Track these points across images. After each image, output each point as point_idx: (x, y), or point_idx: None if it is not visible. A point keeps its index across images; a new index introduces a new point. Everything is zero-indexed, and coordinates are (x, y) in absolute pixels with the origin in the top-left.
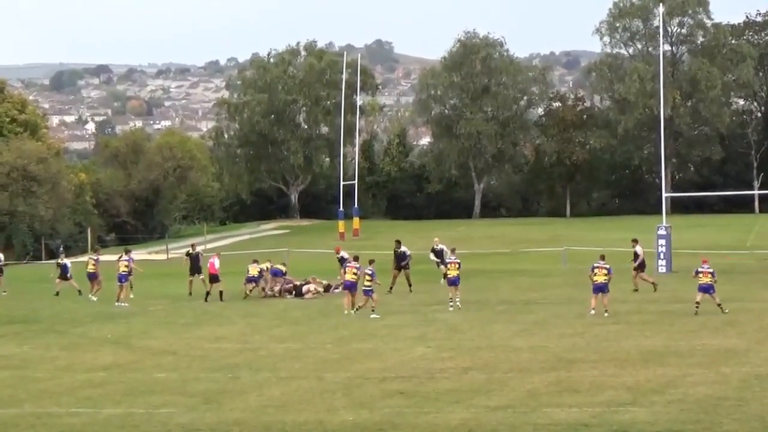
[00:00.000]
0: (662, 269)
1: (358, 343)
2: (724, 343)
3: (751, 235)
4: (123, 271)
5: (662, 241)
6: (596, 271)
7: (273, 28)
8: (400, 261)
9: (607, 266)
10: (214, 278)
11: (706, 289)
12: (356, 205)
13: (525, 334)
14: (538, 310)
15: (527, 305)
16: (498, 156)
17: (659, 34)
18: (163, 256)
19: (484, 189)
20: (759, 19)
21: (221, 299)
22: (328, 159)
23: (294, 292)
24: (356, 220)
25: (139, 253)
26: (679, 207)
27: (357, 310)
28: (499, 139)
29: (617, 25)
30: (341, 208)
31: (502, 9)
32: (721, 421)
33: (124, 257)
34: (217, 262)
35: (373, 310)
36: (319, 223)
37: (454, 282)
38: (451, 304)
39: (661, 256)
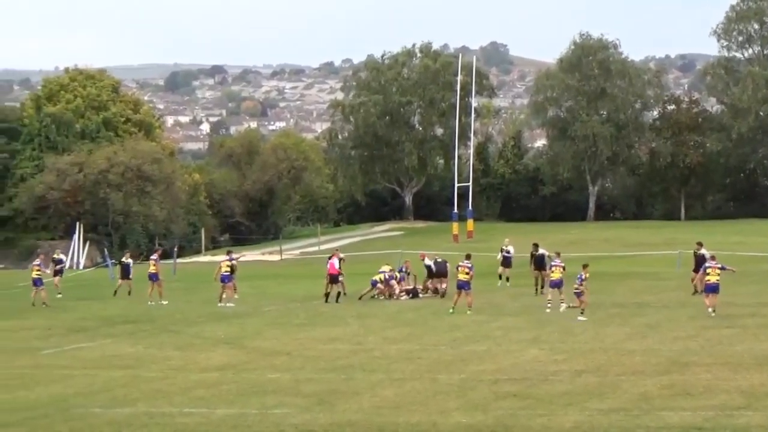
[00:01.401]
0: None
1: (471, 345)
2: None
3: None
4: (225, 272)
5: None
6: (709, 270)
7: (388, 30)
8: (540, 263)
9: (719, 265)
10: (333, 278)
11: None
12: (470, 207)
13: (638, 337)
14: (651, 313)
15: (641, 308)
16: (613, 158)
17: None
18: (276, 257)
19: (598, 191)
20: None
21: (337, 300)
22: (442, 161)
23: (411, 294)
24: (470, 222)
25: (253, 254)
26: None
27: (567, 306)
28: (614, 141)
29: (733, 27)
30: (455, 210)
31: (618, 11)
32: None
33: (227, 258)
34: (337, 263)
35: (582, 312)
36: (433, 225)
37: (557, 284)
38: (549, 305)
39: None
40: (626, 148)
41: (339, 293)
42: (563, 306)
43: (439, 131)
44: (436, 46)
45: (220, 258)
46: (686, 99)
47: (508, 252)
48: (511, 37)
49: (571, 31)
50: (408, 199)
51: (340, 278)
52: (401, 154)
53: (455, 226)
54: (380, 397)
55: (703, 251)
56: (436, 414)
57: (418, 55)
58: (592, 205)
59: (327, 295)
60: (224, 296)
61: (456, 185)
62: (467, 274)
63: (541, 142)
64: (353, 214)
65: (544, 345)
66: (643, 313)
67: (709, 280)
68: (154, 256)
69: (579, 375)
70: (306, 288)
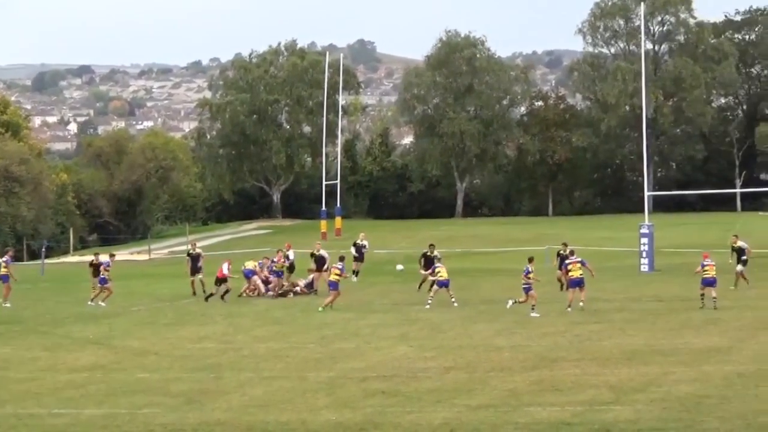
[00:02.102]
0: (645, 268)
1: (340, 343)
2: (707, 342)
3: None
4: (103, 275)
5: (645, 240)
6: (570, 266)
7: (256, 29)
8: (431, 264)
9: (579, 259)
10: (220, 281)
11: (711, 282)
12: (338, 205)
13: (507, 333)
14: (519, 310)
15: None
16: (480, 155)
17: (641, 32)
18: (145, 257)
19: (466, 188)
20: (738, 18)
21: (222, 298)
22: (310, 159)
23: (282, 291)
24: (338, 219)
25: (121, 254)
26: (661, 205)
27: (514, 302)
28: (481, 138)
29: (599, 24)
30: (324, 208)
31: (485, 8)
32: (703, 420)
33: (105, 262)
34: (225, 268)
35: (533, 308)
36: (301, 223)
37: (444, 284)
38: (429, 302)
39: (644, 254)
40: (494, 145)
41: (226, 291)
42: (455, 303)
43: (307, 129)
44: (303, 45)
45: (89, 258)
46: (553, 95)
47: (363, 246)
48: (378, 35)
49: (439, 29)
50: (276, 198)
51: (228, 282)
52: (269, 153)
53: (323, 224)
54: (249, 395)
55: (569, 249)
56: (305, 412)
57: (285, 53)
58: (460, 201)
59: (211, 294)
60: (97, 296)
61: (324, 183)
62: (338, 275)
63: (408, 140)
64: (221, 213)
65: (413, 342)
66: (512, 309)
67: (572, 276)
68: (5, 258)
69: (448, 372)
70: (174, 287)
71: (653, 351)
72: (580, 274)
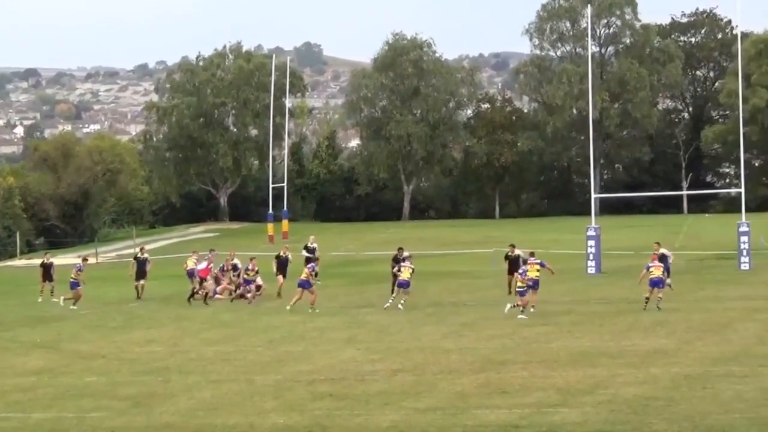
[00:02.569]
0: (591, 270)
1: (288, 346)
2: (654, 344)
3: (680, 236)
4: (72, 278)
5: (592, 242)
6: (528, 267)
7: (203, 31)
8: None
9: (539, 261)
10: (203, 280)
11: (657, 282)
12: (285, 208)
13: (454, 336)
14: (467, 312)
15: (456, 307)
16: (427, 158)
17: (587, 35)
18: (92, 260)
19: (413, 191)
20: (684, 20)
21: (195, 298)
22: (257, 161)
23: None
24: (285, 222)
25: (68, 257)
26: (608, 208)
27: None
28: (428, 141)
29: (545, 26)
30: (270, 211)
31: (432, 10)
32: (651, 422)
33: (77, 266)
34: (204, 265)
35: (522, 310)
36: (248, 226)
37: (404, 285)
38: (388, 303)
39: (591, 257)
40: (440, 148)
41: (198, 294)
42: (400, 307)
43: (254, 132)
44: (250, 47)
45: (37, 261)
46: (500, 98)
47: (314, 249)
48: (325, 38)
49: (386, 31)
50: (223, 201)
51: (208, 281)
52: (216, 156)
53: (270, 227)
54: (197, 399)
55: (517, 252)
56: (253, 415)
57: (230, 56)
58: (407, 204)
59: (206, 295)
60: (67, 297)
61: (271, 186)
62: (308, 274)
63: (355, 142)
64: (168, 216)
65: (360, 345)
66: (459, 311)
67: (530, 276)
68: None
69: (395, 374)
70: (122, 291)
71: (600, 353)
72: (537, 276)
